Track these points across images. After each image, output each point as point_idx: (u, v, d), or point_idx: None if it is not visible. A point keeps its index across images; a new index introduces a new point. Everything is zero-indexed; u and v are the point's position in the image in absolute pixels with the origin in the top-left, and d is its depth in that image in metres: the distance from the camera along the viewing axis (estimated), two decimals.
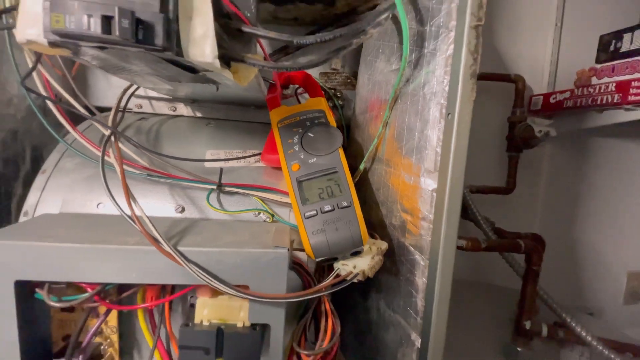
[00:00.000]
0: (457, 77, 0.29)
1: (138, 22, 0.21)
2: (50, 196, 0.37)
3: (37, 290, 0.29)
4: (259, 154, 0.44)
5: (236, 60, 0.27)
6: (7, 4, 0.34)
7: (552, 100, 0.90)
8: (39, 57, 0.33)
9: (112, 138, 0.32)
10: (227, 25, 0.26)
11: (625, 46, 0.82)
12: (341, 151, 0.38)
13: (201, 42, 0.24)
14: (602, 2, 0.97)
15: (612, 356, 0.70)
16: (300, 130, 0.40)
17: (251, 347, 0.29)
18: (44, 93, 0.36)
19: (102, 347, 0.34)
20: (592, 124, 0.85)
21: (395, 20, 0.37)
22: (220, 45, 0.25)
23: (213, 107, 0.56)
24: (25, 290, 0.28)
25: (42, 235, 0.28)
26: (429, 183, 0.31)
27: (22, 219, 0.36)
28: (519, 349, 0.76)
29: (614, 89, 0.77)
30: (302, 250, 0.35)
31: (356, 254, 0.34)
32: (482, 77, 0.83)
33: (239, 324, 0.30)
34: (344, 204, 0.34)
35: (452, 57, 0.29)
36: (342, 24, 0.53)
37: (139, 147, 0.37)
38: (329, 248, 0.33)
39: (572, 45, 0.97)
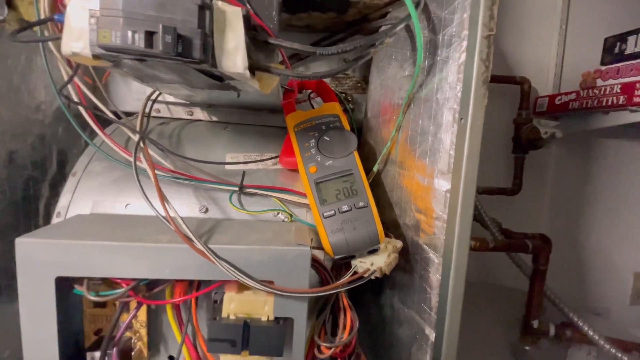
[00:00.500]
0: (469, 84, 0.31)
1: (178, 37, 0.23)
2: (81, 198, 0.39)
3: (75, 286, 0.31)
4: (276, 156, 0.45)
5: (261, 69, 0.29)
6: (42, 16, 0.36)
7: (557, 102, 0.91)
8: (77, 67, 0.35)
9: (141, 143, 0.34)
10: (254, 37, 0.28)
11: (630, 48, 0.83)
12: (356, 154, 0.40)
13: (233, 54, 0.25)
14: (606, 4, 0.98)
15: (619, 355, 0.71)
16: (316, 134, 0.42)
17: (275, 340, 0.31)
18: (75, 99, 0.38)
19: (132, 340, 0.36)
20: (598, 125, 0.86)
21: (408, 28, 0.39)
22: (248, 56, 0.26)
23: (228, 111, 0.58)
24: (64, 286, 0.30)
25: (80, 235, 0.30)
26: (443, 184, 0.33)
27: (55, 219, 0.38)
28: (526, 348, 0.77)
29: (619, 90, 0.78)
30: (320, 248, 0.37)
31: (373, 252, 0.35)
32: None
33: (264, 318, 0.31)
34: (361, 204, 0.36)
35: (464, 64, 0.31)
36: (353, 31, 0.55)
37: (165, 151, 0.39)
38: (347, 246, 0.34)
39: (577, 47, 0.98)
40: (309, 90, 0.55)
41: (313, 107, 0.55)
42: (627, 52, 0.83)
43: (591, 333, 0.73)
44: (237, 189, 0.40)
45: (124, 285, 0.30)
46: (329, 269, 0.37)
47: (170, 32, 0.22)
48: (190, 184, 0.40)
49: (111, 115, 0.39)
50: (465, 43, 0.30)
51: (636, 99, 0.75)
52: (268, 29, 0.29)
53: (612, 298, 1.01)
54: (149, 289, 0.34)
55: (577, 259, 1.02)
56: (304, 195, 0.41)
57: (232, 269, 0.28)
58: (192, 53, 0.24)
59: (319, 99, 0.55)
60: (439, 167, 0.33)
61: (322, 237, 0.36)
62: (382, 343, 0.45)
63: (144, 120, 0.40)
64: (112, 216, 0.37)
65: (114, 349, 0.32)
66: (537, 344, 0.77)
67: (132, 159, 0.39)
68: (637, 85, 0.75)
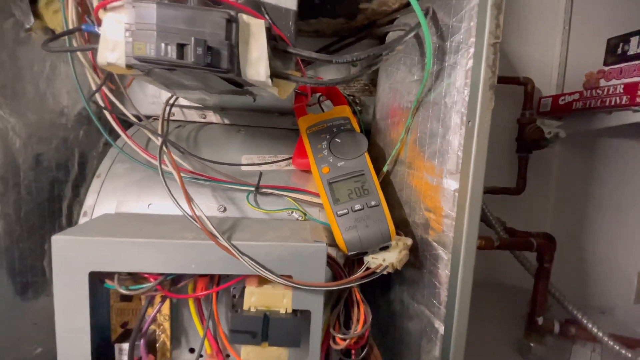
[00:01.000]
0: (476, 88, 0.32)
1: (207, 49, 0.25)
2: (105, 198, 0.41)
3: (106, 280, 0.33)
4: (289, 158, 0.47)
5: (281, 77, 0.31)
6: (70, 26, 0.38)
7: (561, 102, 0.92)
8: (107, 76, 0.37)
9: (164, 146, 0.36)
10: (274, 47, 0.30)
11: (632, 49, 0.84)
12: (367, 155, 0.42)
13: (256, 63, 0.27)
14: (609, 6, 0.99)
15: (623, 352, 0.72)
16: (328, 136, 0.44)
17: (293, 331, 0.33)
18: (100, 104, 0.40)
19: (156, 333, 0.38)
20: (601, 125, 0.87)
21: (417, 35, 0.41)
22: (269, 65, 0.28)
23: (240, 114, 0.60)
24: (95, 281, 0.32)
25: (110, 232, 0.32)
26: (451, 184, 0.34)
27: (82, 219, 0.40)
28: (531, 345, 0.78)
29: (622, 90, 0.79)
30: (333, 245, 0.38)
31: (384, 248, 0.37)
32: None
33: (282, 311, 0.33)
34: (373, 203, 0.38)
35: (471, 70, 0.32)
36: (361, 36, 0.57)
37: (185, 153, 0.41)
38: (360, 243, 0.36)
39: (580, 47, 0.99)
40: (318, 94, 0.57)
41: (323, 111, 0.56)
42: (630, 52, 0.84)
43: (595, 330, 0.74)
44: (253, 189, 0.42)
45: (151, 279, 0.32)
46: (342, 265, 0.39)
47: (201, 45, 0.24)
48: (208, 185, 0.42)
49: (133, 119, 0.41)
50: (472, 50, 0.32)
51: (639, 99, 0.76)
52: (286, 39, 0.31)
53: (617, 296, 1.02)
54: (172, 284, 0.36)
55: (581, 257, 1.03)
56: (316, 195, 0.43)
57: (255, 264, 0.30)
58: (220, 63, 0.26)
59: (327, 101, 0.57)
60: (447, 168, 0.35)
61: (336, 235, 0.37)
62: (391, 337, 0.47)
63: (164, 124, 0.42)
64: (137, 215, 0.39)
65: (142, 341, 0.34)
66: (542, 341, 0.79)
67: (151, 160, 0.41)
68: None
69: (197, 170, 0.43)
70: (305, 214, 0.42)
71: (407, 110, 0.42)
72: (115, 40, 0.27)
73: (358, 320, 0.35)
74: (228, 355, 0.38)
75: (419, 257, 0.40)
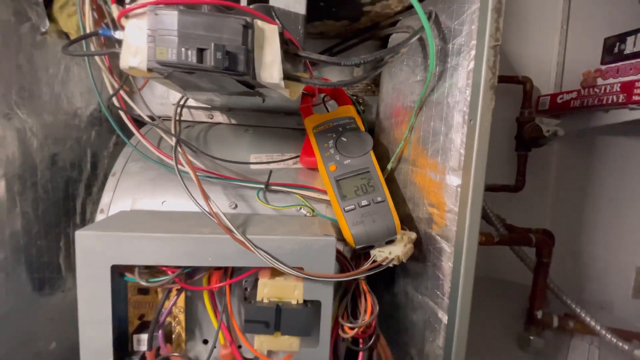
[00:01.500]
0: (478, 88, 0.34)
1: (226, 53, 0.27)
2: (121, 196, 0.43)
3: (126, 273, 0.34)
4: (296, 156, 0.49)
5: (292, 79, 0.32)
6: (87, 31, 0.40)
7: (559, 101, 0.93)
8: (125, 79, 0.38)
9: (179, 145, 0.38)
10: (285, 51, 0.32)
11: (628, 48, 0.86)
12: (372, 153, 0.44)
13: (270, 67, 0.29)
14: (606, 6, 1.00)
15: (620, 344, 0.74)
16: (334, 135, 0.45)
17: (305, 321, 0.34)
18: (116, 104, 0.42)
19: (172, 325, 0.39)
20: (598, 123, 0.88)
21: (419, 37, 0.43)
22: None
23: (246, 114, 0.62)
24: (115, 274, 0.34)
25: (130, 228, 0.34)
26: (454, 180, 0.36)
27: (98, 216, 0.42)
28: (531, 338, 0.80)
29: (618, 89, 0.81)
30: (340, 240, 0.40)
31: (390, 242, 0.39)
32: None
33: (294, 301, 0.35)
34: (379, 199, 0.39)
35: (473, 71, 0.34)
36: (364, 38, 0.58)
37: (197, 153, 0.43)
38: (367, 237, 0.38)
39: (577, 47, 1.01)
40: (323, 94, 0.59)
41: (327, 110, 0.58)
42: (626, 52, 0.85)
43: (593, 323, 0.76)
44: (263, 186, 0.43)
45: (169, 272, 0.34)
46: (349, 258, 0.41)
47: (221, 50, 0.26)
48: (219, 182, 0.44)
49: (148, 119, 0.43)
50: (473, 52, 0.34)
51: (635, 97, 0.78)
52: (296, 42, 0.33)
53: (615, 292, 1.03)
54: (187, 277, 0.38)
55: (579, 253, 1.04)
56: (323, 192, 0.45)
57: (269, 256, 0.32)
58: (237, 67, 0.27)
59: (330, 101, 0.58)
60: (450, 165, 0.37)
61: (343, 229, 0.39)
62: (396, 328, 0.48)
63: (176, 124, 0.43)
64: (152, 212, 0.41)
65: (160, 331, 0.36)
66: (541, 334, 0.81)
67: (165, 159, 0.43)
68: (637, 84, 0.78)
69: (208, 168, 0.44)
70: (313, 210, 0.44)
71: (411, 110, 0.44)
72: (137, 45, 0.28)
73: (365, 311, 0.37)
74: (240, 346, 0.40)
75: (422, 251, 0.42)
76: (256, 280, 0.38)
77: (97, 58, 0.39)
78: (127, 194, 0.43)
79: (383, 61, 0.35)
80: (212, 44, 0.26)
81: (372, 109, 0.66)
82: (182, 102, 0.48)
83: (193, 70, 0.28)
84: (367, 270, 0.36)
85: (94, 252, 0.32)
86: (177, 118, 0.44)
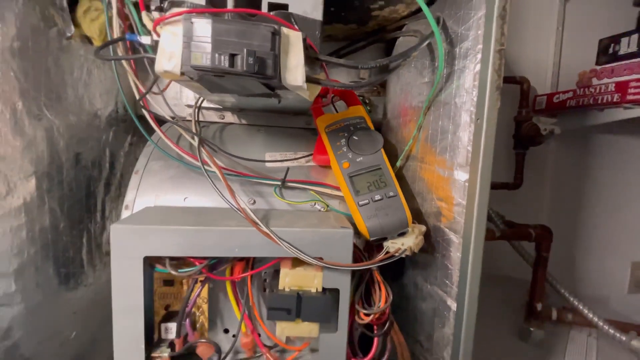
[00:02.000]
0: (484, 90, 0.36)
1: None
2: (144, 193, 0.45)
3: (156, 265, 0.36)
4: (309, 155, 0.51)
5: (312, 82, 0.35)
6: (113, 36, 0.42)
7: (555, 100, 0.96)
8: (154, 81, 0.41)
9: (201, 145, 0.40)
10: (306, 55, 0.34)
11: (623, 49, 0.88)
12: (383, 151, 0.46)
13: (294, 70, 0.31)
14: (601, 8, 1.03)
15: (618, 335, 0.77)
16: (346, 134, 0.48)
17: (324, 308, 0.37)
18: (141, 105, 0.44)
19: (196, 315, 0.41)
20: (594, 122, 0.91)
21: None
22: None
23: (257, 114, 0.64)
24: (146, 266, 0.36)
25: (159, 221, 0.36)
26: (462, 175, 0.39)
27: (124, 212, 0.44)
28: (531, 330, 0.83)
29: (613, 89, 0.84)
30: (355, 232, 0.42)
31: (402, 234, 0.41)
32: None
33: (313, 290, 0.37)
34: (391, 194, 0.42)
35: (479, 73, 0.37)
36: (372, 41, 0.61)
37: (218, 152, 0.45)
38: (381, 229, 0.40)
39: (573, 48, 1.04)
40: (332, 95, 0.61)
41: (336, 111, 0.60)
42: (621, 52, 0.88)
43: (591, 315, 0.79)
44: (279, 183, 0.45)
45: (196, 263, 0.36)
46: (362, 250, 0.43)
47: (252, 55, 0.28)
48: (237, 179, 0.46)
49: (169, 118, 0.45)
50: (480, 55, 0.36)
51: (630, 97, 0.80)
52: (315, 47, 0.35)
53: (611, 287, 1.06)
54: (211, 269, 0.40)
55: (576, 249, 1.07)
56: (336, 188, 0.47)
57: (292, 247, 0.34)
58: (266, 71, 0.29)
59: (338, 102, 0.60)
60: (458, 161, 0.39)
61: (358, 223, 0.41)
62: (406, 317, 0.51)
63: (196, 125, 0.45)
64: (175, 208, 0.43)
65: (187, 320, 0.38)
66: (541, 326, 0.83)
67: (186, 157, 0.45)
68: (631, 83, 0.81)
69: (227, 166, 0.46)
70: (327, 205, 0.46)
71: (419, 110, 0.46)
72: (172, 50, 0.31)
73: (380, 298, 0.39)
74: (259, 334, 0.42)
75: (431, 243, 0.44)
76: (275, 271, 0.40)
77: (124, 62, 0.41)
78: (150, 191, 0.45)
79: (396, 63, 0.38)
80: (245, 50, 0.28)
81: (378, 109, 0.69)
82: (199, 104, 0.50)
83: (224, 74, 0.30)
84: (381, 260, 0.39)
85: (128, 245, 0.34)
86: (197, 119, 0.46)
